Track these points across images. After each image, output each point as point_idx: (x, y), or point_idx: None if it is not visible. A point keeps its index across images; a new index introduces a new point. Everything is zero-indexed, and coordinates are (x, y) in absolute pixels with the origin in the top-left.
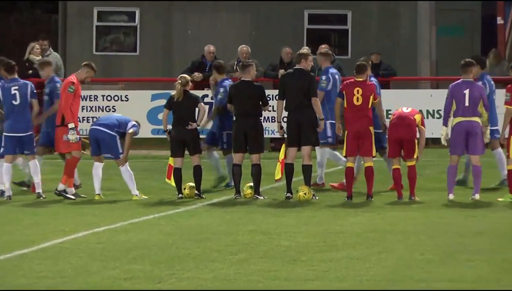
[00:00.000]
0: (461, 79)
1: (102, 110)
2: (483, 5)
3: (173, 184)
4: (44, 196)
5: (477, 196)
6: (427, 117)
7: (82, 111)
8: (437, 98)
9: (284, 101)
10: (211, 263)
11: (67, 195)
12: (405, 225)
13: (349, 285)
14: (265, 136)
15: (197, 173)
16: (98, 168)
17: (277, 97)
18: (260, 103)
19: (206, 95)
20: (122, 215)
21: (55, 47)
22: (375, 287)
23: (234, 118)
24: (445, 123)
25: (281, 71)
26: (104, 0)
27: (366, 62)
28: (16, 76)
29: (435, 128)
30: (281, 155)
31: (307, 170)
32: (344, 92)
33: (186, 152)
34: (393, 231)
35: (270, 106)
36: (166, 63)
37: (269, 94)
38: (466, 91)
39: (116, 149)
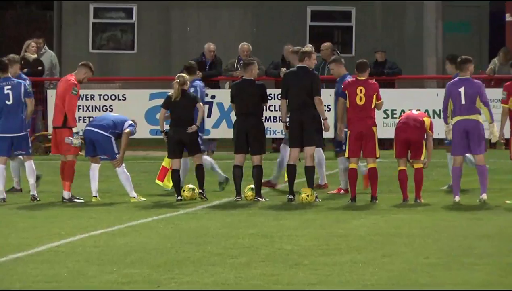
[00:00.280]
0: (457, 77)
1: (99, 110)
2: (491, 2)
3: (164, 185)
4: (38, 199)
5: (484, 196)
6: (433, 117)
7: (78, 111)
8: (443, 97)
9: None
10: (211, 267)
11: (76, 200)
12: (410, 228)
13: (353, 290)
14: (266, 136)
15: (200, 172)
16: (94, 170)
17: (279, 96)
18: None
19: (206, 95)
20: (120, 218)
21: (50, 45)
22: None
23: (235, 118)
24: (446, 121)
25: (283, 70)
26: None
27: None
28: (9, 75)
29: (441, 129)
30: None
31: (309, 172)
32: (346, 91)
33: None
34: (398, 234)
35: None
36: (165, 61)
37: (270, 93)
38: (461, 89)
39: (111, 150)
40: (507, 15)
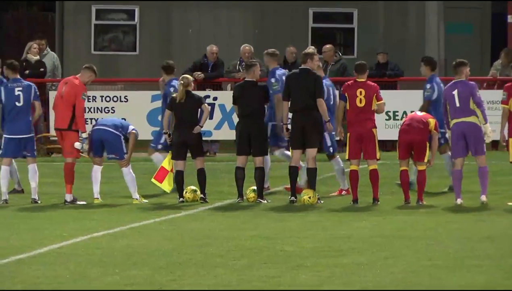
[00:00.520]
0: (453, 81)
1: (101, 112)
2: (493, 3)
3: (163, 187)
4: (39, 202)
5: (483, 198)
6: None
7: None
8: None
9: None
10: (213, 268)
11: (78, 202)
12: (413, 230)
13: None
14: None
15: (201, 176)
16: (97, 171)
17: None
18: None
19: (208, 96)
20: (122, 220)
21: (52, 46)
22: None
23: (238, 120)
24: (448, 126)
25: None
26: None
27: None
28: (18, 76)
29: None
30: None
31: (312, 173)
32: (346, 94)
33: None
34: (400, 236)
35: None
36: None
37: None
38: (455, 92)
39: (121, 149)
40: (509, 16)
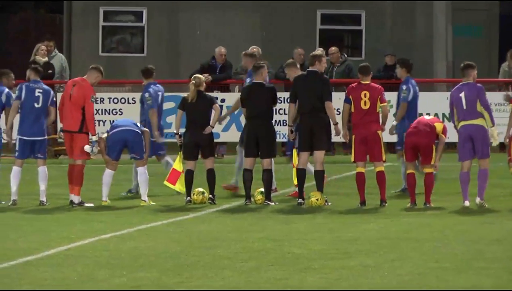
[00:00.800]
0: (460, 83)
1: (109, 113)
2: (501, 5)
3: (173, 187)
4: (47, 204)
5: (477, 200)
6: (443, 121)
7: None
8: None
9: (296, 104)
10: (221, 270)
11: (86, 204)
12: (420, 232)
13: None
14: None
15: (211, 177)
16: (109, 176)
17: (288, 100)
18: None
19: (216, 98)
20: (129, 222)
21: (60, 48)
22: None
23: (246, 121)
24: (456, 129)
25: None
26: None
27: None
28: (39, 79)
29: (450, 133)
30: (295, 160)
31: (319, 176)
32: (350, 97)
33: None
34: (407, 238)
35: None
36: (174, 64)
37: (280, 97)
38: (462, 94)
39: (142, 149)
40: None
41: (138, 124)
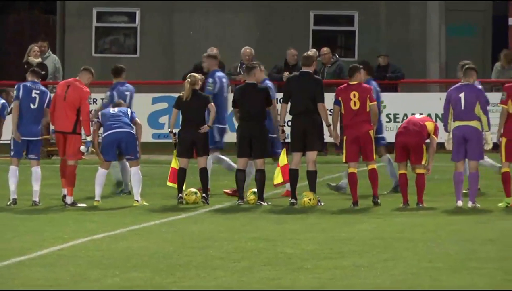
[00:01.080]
0: (459, 83)
1: None
2: (495, 5)
3: (176, 186)
4: (39, 204)
5: (469, 204)
6: (436, 121)
7: None
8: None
9: (289, 105)
10: (213, 270)
11: (79, 205)
12: (413, 232)
13: None
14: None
15: (204, 175)
16: (102, 176)
17: (281, 100)
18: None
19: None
20: (122, 222)
21: (53, 48)
22: None
23: (239, 122)
24: (446, 129)
25: (286, 74)
26: (104, 0)
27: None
28: (37, 81)
29: (443, 133)
30: (281, 160)
31: (312, 176)
32: (340, 98)
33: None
34: (401, 238)
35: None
36: (168, 65)
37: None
38: (462, 95)
39: (136, 149)
40: (510, 19)
41: (129, 115)
